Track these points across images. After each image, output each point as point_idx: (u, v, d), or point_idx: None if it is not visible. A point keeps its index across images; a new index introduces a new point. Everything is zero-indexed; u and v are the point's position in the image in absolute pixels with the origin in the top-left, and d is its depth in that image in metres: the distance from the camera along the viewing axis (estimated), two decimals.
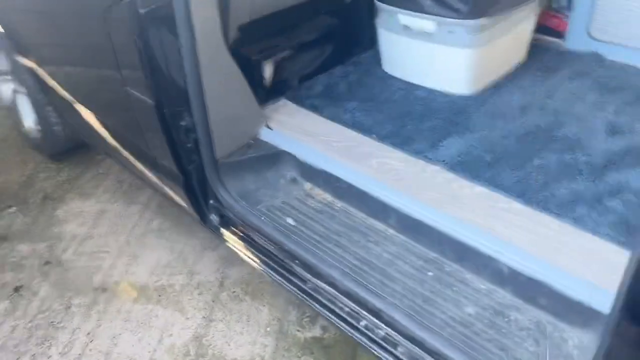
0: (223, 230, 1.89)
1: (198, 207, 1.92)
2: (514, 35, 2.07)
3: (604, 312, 1.19)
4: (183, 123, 1.72)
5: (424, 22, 1.94)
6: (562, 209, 1.47)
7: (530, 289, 1.36)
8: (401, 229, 1.61)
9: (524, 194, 1.54)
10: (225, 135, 1.82)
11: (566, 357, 1.25)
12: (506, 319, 1.35)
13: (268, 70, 2.09)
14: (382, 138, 1.84)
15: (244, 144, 1.92)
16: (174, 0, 1.50)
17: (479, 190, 1.58)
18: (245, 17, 1.87)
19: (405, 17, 1.99)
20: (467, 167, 1.66)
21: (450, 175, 1.65)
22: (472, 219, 1.49)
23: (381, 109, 1.99)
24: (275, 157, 1.89)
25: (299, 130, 1.96)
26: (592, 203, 1.48)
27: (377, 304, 1.42)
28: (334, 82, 2.20)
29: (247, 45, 1.98)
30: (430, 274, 1.49)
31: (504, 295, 1.41)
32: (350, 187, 1.71)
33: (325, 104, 2.06)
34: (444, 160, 1.69)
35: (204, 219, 1.96)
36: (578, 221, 1.43)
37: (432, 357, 1.30)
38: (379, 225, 1.66)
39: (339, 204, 1.76)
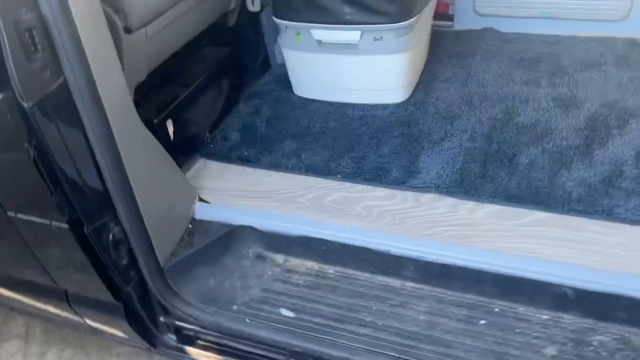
0: (189, 349, 1.45)
1: (144, 330, 1.45)
2: (426, 29, 1.92)
3: None
4: (111, 236, 1.24)
5: (345, 34, 1.68)
6: (587, 204, 1.36)
7: (602, 306, 1.22)
8: (423, 279, 1.36)
9: (539, 199, 1.40)
10: (162, 231, 1.37)
11: None
12: (592, 347, 1.20)
13: (171, 130, 1.65)
14: (349, 176, 1.56)
15: (184, 232, 1.48)
16: (70, 76, 1.03)
17: (491, 208, 1.41)
18: (142, 74, 1.42)
19: (321, 32, 1.71)
20: (463, 185, 1.46)
21: (451, 201, 1.44)
22: (505, 246, 1.31)
23: (324, 141, 1.70)
24: (227, 237, 1.49)
25: (240, 193, 1.58)
26: (610, 190, 1.39)
27: None
28: (249, 122, 1.83)
29: (143, 107, 1.52)
30: (482, 322, 1.28)
31: (573, 321, 1.25)
32: (343, 247, 1.40)
33: (255, 152, 1.69)
34: (435, 184, 1.48)
35: (153, 342, 1.48)
36: (611, 214, 1.33)
37: None
38: (393, 282, 1.39)
39: (331, 270, 1.44)
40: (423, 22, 1.82)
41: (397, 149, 1.62)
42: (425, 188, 1.48)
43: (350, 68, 1.77)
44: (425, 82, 1.90)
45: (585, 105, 1.70)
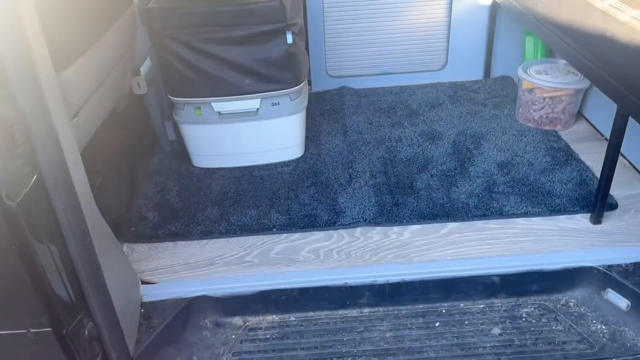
0: None
1: None
2: (304, 93, 2.17)
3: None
4: (86, 333, 1.16)
5: (245, 103, 1.83)
6: (483, 209, 1.69)
7: (520, 284, 1.52)
8: (378, 301, 1.53)
9: (447, 213, 1.68)
10: (127, 321, 1.32)
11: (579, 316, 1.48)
12: (523, 319, 1.49)
13: None
14: (284, 228, 1.67)
15: (139, 317, 1.43)
16: (46, 171, 1.00)
17: (414, 228, 1.65)
18: None
19: (221, 104, 1.83)
20: (384, 214, 1.69)
21: (380, 229, 1.65)
22: (436, 255, 1.55)
23: (245, 202, 1.79)
24: (184, 312, 1.48)
25: (182, 267, 1.58)
26: (493, 195, 1.74)
27: None
28: (160, 199, 1.83)
29: None
30: (437, 324, 1.49)
31: (502, 302, 1.53)
32: (303, 291, 1.51)
33: (182, 225, 1.71)
34: (362, 219, 1.68)
35: None
36: (502, 213, 1.67)
37: None
38: (352, 312, 1.53)
39: (292, 317, 1.53)
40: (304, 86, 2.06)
41: (315, 196, 1.80)
42: (354, 224, 1.67)
43: (251, 133, 1.91)
44: (312, 137, 2.13)
45: (445, 136, 2.09)
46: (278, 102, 1.85)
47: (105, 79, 1.56)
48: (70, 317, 1.12)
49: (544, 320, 1.48)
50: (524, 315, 1.50)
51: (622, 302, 1.43)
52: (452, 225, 1.66)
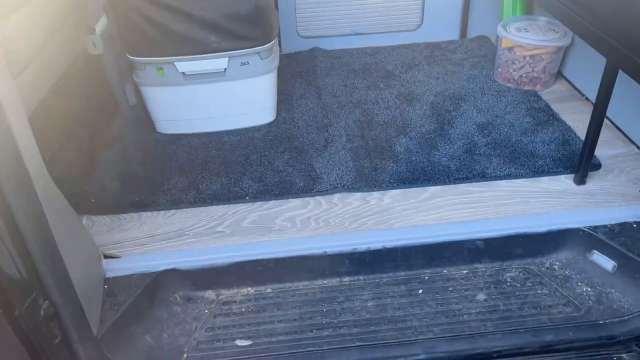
0: None
1: None
2: None
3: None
4: (41, 313, 1.05)
5: (212, 63, 1.70)
6: (465, 172, 1.62)
7: (504, 248, 1.47)
8: (358, 270, 1.45)
9: (428, 176, 1.61)
10: (89, 299, 1.21)
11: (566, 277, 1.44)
12: (507, 283, 1.44)
13: None
14: (257, 196, 1.57)
15: (103, 294, 1.32)
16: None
17: (394, 193, 1.57)
18: None
19: (186, 64, 1.69)
20: (362, 179, 1.60)
21: (359, 195, 1.57)
22: (418, 220, 1.48)
23: (215, 170, 1.68)
24: (151, 287, 1.37)
25: (149, 240, 1.47)
26: (474, 157, 1.68)
27: (417, 350, 1.28)
28: (123, 168, 1.70)
29: None
30: (420, 291, 1.43)
31: (486, 267, 1.48)
32: (279, 262, 1.42)
33: (148, 194, 1.59)
34: (340, 184, 1.59)
35: None
36: (484, 175, 1.61)
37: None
38: (331, 281, 1.45)
39: (268, 289, 1.44)
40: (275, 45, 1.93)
41: (290, 162, 1.70)
42: (332, 190, 1.58)
43: (219, 96, 1.78)
44: (284, 101, 2.01)
45: (423, 98, 2.01)
46: (247, 62, 1.73)
47: (53, 35, 1.41)
48: (22, 297, 1.00)
49: (528, 284, 1.43)
50: (508, 279, 1.45)
51: (608, 264, 1.40)
52: (433, 189, 1.58)
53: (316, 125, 1.87)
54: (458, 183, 1.60)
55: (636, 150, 1.71)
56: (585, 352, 1.27)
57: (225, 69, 1.72)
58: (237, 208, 1.55)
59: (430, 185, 1.59)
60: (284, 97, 2.04)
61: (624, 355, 1.27)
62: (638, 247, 1.38)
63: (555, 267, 1.47)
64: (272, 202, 1.56)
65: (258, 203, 1.56)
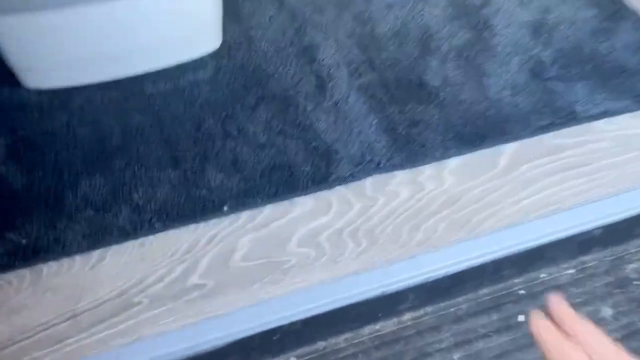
0: None
1: None
2: None
3: None
4: None
5: None
6: (549, 114, 1.07)
7: (623, 232, 1.01)
8: (422, 301, 0.93)
9: (495, 128, 1.04)
10: None
11: None
12: (635, 282, 1.00)
13: None
14: (239, 199, 0.92)
15: None
16: None
17: (453, 164, 1.00)
18: None
19: None
20: (399, 146, 1.00)
21: (402, 176, 0.98)
22: (513, 211, 0.95)
23: (146, 156, 0.98)
24: None
25: (63, 324, 0.81)
26: (541, 84, 1.12)
27: None
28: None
29: None
30: (520, 318, 0.95)
31: (596, 261, 1.02)
32: (308, 322, 0.85)
33: (32, 234, 0.88)
34: (369, 162, 0.98)
35: None
36: (575, 117, 1.07)
37: None
38: (387, 324, 0.92)
39: (292, 357, 0.88)
40: None
41: (274, 125, 1.03)
42: (359, 172, 0.97)
43: (125, 16, 1.01)
44: (226, 7, 1.26)
45: None
46: None
47: None
48: None
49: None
50: (632, 275, 1.01)
51: None
52: (509, 148, 1.03)
53: (293, 49, 1.17)
54: (541, 133, 1.05)
55: None
56: None
57: None
58: (213, 230, 0.90)
59: (503, 142, 1.04)
60: (224, 1, 1.28)
61: None
62: None
63: None
64: (268, 211, 0.92)
65: (245, 215, 0.92)
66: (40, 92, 1.08)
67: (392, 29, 1.23)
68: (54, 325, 0.78)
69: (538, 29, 1.24)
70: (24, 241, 0.86)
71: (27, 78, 1.07)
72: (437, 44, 1.20)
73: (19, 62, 1.04)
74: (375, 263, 0.86)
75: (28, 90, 1.08)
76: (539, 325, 0.49)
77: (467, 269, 0.90)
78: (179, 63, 1.13)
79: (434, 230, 0.90)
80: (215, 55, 1.16)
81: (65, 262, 0.86)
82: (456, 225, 0.91)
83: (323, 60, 1.15)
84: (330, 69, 1.13)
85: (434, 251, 0.88)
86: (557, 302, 0.50)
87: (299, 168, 0.97)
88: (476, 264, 0.90)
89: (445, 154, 1.00)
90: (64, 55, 1.04)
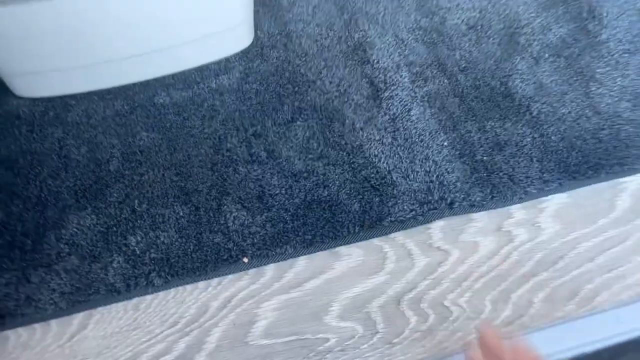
0: None
1: None
2: None
3: None
4: None
5: None
6: None
7: None
8: None
9: (611, 154, 0.78)
10: None
11: None
12: None
13: None
14: (264, 248, 0.70)
15: None
16: None
17: (557, 202, 0.74)
18: None
19: None
20: (479, 174, 0.76)
21: (485, 219, 0.73)
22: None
23: (158, 186, 0.77)
24: None
25: None
26: None
27: None
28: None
29: None
30: None
31: None
32: None
33: (20, 288, 0.69)
34: (446, 199, 0.73)
35: None
36: None
37: None
38: None
39: None
40: None
41: (313, 146, 0.80)
42: (424, 216, 0.73)
43: (135, 8, 0.80)
44: None
45: None
46: None
47: None
48: None
49: None
50: None
51: None
52: (633, 183, 0.76)
53: (340, 47, 0.94)
54: None
55: None
56: None
57: None
58: (228, 291, 0.68)
59: (623, 175, 0.76)
60: None
61: None
62: None
63: None
64: (301, 265, 0.70)
65: (270, 271, 0.70)
66: (33, 102, 0.89)
67: (468, 21, 0.97)
68: None
69: None
70: (17, 296, 0.67)
71: (18, 85, 0.89)
72: (526, 40, 0.93)
73: (7, 66, 0.85)
74: (447, 350, 0.62)
75: (18, 99, 0.89)
76: (473, 356, 0.52)
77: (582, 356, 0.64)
78: (198, 66, 0.92)
79: (528, 303, 0.65)
80: (243, 56, 0.93)
81: (37, 328, 0.66)
82: (561, 296, 0.66)
83: (378, 61, 0.91)
84: (387, 73, 0.89)
85: (529, 334, 0.63)
86: (486, 330, 0.52)
87: (345, 206, 0.73)
88: (590, 352, 0.64)
89: (543, 191, 0.74)
90: (60, 56, 0.84)
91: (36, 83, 0.88)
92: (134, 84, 0.90)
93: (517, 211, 0.72)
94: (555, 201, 0.73)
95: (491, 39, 0.93)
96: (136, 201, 0.76)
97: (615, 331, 0.63)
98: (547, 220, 0.71)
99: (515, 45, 0.92)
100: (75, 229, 0.73)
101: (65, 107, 0.88)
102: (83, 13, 0.78)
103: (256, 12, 0.97)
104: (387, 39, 0.94)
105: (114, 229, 0.73)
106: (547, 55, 0.90)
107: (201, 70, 0.91)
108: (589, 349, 0.63)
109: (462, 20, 0.96)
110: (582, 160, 0.77)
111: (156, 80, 0.90)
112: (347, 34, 0.95)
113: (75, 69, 0.86)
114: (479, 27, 0.95)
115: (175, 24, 0.85)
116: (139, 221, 0.74)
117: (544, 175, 0.75)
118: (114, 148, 0.82)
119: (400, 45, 0.93)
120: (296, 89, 0.88)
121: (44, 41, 0.81)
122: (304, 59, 0.92)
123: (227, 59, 0.93)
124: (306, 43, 0.94)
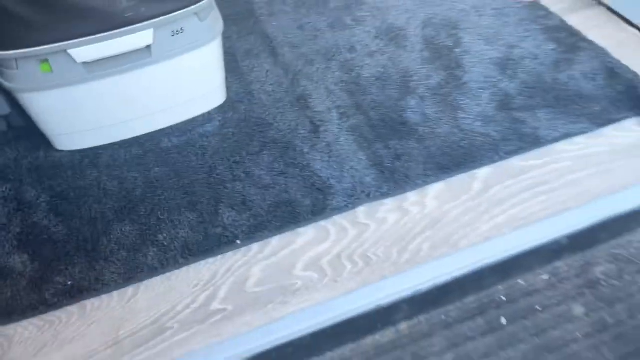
0: None
1: None
2: None
3: None
4: None
5: (129, 40, 1.07)
6: (514, 141, 1.22)
7: (585, 239, 1.14)
8: (418, 311, 1.06)
9: (468, 156, 1.19)
10: None
11: None
12: (603, 284, 1.12)
13: None
14: (250, 233, 1.07)
15: None
16: None
17: (435, 189, 1.14)
18: None
19: (86, 49, 1.06)
20: (385, 176, 1.15)
21: (390, 204, 1.12)
22: (488, 227, 1.09)
23: (167, 202, 1.13)
24: None
25: (109, 349, 0.95)
26: (515, 115, 1.27)
27: None
28: (26, 227, 1.09)
29: None
30: (503, 321, 1.07)
31: (567, 266, 1.15)
32: (316, 335, 0.98)
33: (76, 275, 1.02)
34: (359, 193, 1.12)
35: None
36: (538, 141, 1.22)
37: None
38: (384, 334, 1.05)
39: None
40: None
41: (276, 166, 1.19)
42: (352, 203, 1.12)
43: (145, 85, 1.18)
44: (228, 65, 1.43)
45: (409, 32, 1.52)
46: (181, 29, 1.12)
47: None
48: None
49: (626, 277, 1.13)
50: (600, 277, 1.14)
51: None
52: (482, 173, 1.18)
53: (288, 99, 1.34)
54: (508, 157, 1.20)
55: None
56: None
57: (151, 45, 1.11)
58: (229, 262, 1.05)
59: (475, 168, 1.18)
60: (226, 58, 1.45)
61: None
62: None
63: None
64: (275, 242, 1.07)
65: (256, 247, 1.07)
66: (71, 153, 1.24)
67: (374, 74, 1.39)
68: (100, 351, 0.92)
69: (504, 65, 1.40)
70: (69, 283, 1.01)
71: (59, 141, 1.24)
72: (414, 85, 1.36)
73: (51, 129, 1.20)
74: (371, 281, 1.00)
75: (60, 152, 1.24)
76: None
77: (452, 281, 1.03)
78: (188, 118, 1.30)
79: (419, 249, 1.04)
80: (220, 109, 1.32)
81: (105, 298, 1.00)
82: (439, 243, 1.05)
83: (316, 107, 1.31)
84: (321, 114, 1.29)
85: (421, 267, 1.02)
86: None
87: (300, 203, 1.12)
88: (460, 276, 1.03)
89: (426, 182, 1.15)
90: (91, 121, 1.20)
91: (74, 139, 1.23)
92: (145, 135, 1.26)
93: (411, 196, 1.12)
94: (434, 188, 1.14)
95: (391, 85, 1.35)
96: (159, 212, 1.12)
97: (474, 260, 1.03)
98: (429, 200, 1.12)
99: (407, 89, 1.35)
100: (119, 234, 1.08)
101: (96, 155, 1.23)
102: (109, 94, 1.15)
103: (227, 78, 1.36)
104: (321, 91, 1.35)
105: (147, 231, 1.08)
106: (428, 94, 1.33)
107: (191, 121, 1.29)
108: (459, 273, 1.02)
109: (371, 74, 1.38)
110: (451, 161, 1.18)
111: (160, 131, 1.27)
112: (292, 89, 1.36)
113: (103, 128, 1.23)
114: (383, 78, 1.37)
115: (174, 94, 1.23)
116: (162, 225, 1.09)
117: (427, 172, 1.16)
118: (136, 180, 1.18)
119: (330, 94, 1.34)
120: (260, 129, 1.27)
121: (80, 112, 1.17)
122: (263, 108, 1.31)
123: (209, 113, 1.31)
124: (264, 97, 1.34)
